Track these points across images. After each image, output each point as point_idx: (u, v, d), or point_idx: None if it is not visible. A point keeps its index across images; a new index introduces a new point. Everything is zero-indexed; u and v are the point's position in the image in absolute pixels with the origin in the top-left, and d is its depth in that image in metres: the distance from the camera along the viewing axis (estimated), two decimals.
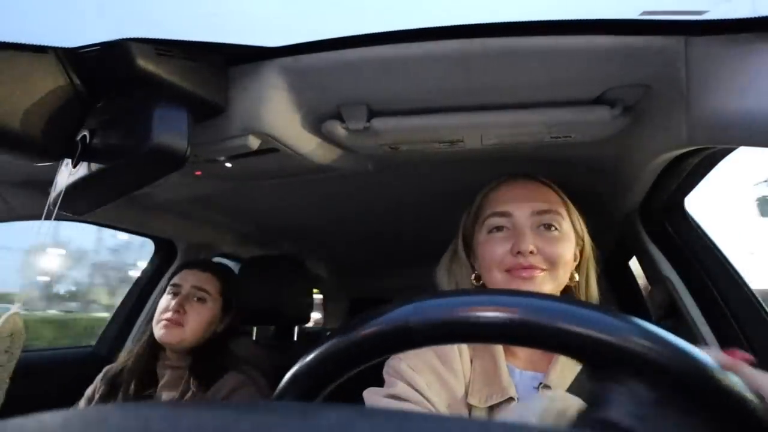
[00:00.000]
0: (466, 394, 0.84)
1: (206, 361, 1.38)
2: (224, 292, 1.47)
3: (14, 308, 0.80)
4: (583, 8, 0.71)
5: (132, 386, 1.35)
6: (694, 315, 1.23)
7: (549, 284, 0.88)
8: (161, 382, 1.37)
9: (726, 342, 1.15)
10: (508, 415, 0.80)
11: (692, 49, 0.73)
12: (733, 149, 0.97)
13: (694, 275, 1.26)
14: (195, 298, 1.40)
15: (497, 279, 0.89)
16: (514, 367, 0.87)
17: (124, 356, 1.47)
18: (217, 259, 2.06)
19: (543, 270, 0.87)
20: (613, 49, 0.75)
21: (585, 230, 0.98)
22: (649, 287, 1.51)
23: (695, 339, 1.22)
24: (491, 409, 0.82)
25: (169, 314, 1.35)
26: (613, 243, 1.73)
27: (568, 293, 0.98)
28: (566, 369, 0.82)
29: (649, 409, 0.35)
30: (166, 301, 1.40)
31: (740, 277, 1.21)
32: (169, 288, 1.43)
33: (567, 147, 1.02)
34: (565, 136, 0.97)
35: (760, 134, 0.64)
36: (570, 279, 0.93)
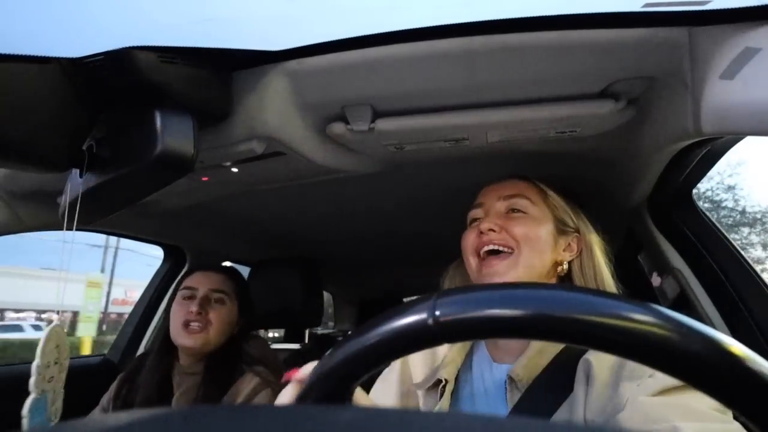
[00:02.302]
0: (412, 377, 0.96)
1: (221, 364, 1.37)
2: (240, 293, 1.46)
3: (54, 321, 0.85)
4: (585, 2, 0.71)
5: (147, 395, 1.35)
6: (705, 305, 1.22)
7: (516, 269, 0.90)
8: (177, 390, 1.36)
9: (738, 332, 1.15)
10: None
11: (696, 39, 0.73)
12: (740, 139, 0.97)
13: (704, 266, 1.25)
14: (214, 301, 1.39)
15: (471, 264, 0.95)
16: (491, 359, 0.91)
17: (136, 363, 1.47)
18: (226, 264, 2.07)
19: (508, 253, 0.91)
20: (616, 42, 0.74)
21: (582, 222, 0.98)
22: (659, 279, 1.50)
23: None
24: (429, 390, 0.91)
25: (192, 318, 1.34)
26: (622, 236, 1.72)
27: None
28: (533, 362, 0.83)
29: None
30: (183, 306, 1.38)
31: (750, 267, 1.21)
32: (182, 292, 1.41)
33: (573, 141, 1.02)
34: (571, 130, 0.97)
35: (767, 123, 0.63)
36: (560, 267, 0.95)
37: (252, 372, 1.37)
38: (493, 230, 0.92)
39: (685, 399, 0.63)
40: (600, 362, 0.74)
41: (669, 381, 0.65)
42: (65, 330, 0.89)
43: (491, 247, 0.92)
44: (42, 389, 0.83)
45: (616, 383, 0.71)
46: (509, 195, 0.96)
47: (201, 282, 1.41)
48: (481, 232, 0.93)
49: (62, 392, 0.88)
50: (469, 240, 0.95)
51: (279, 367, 1.46)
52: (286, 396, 0.53)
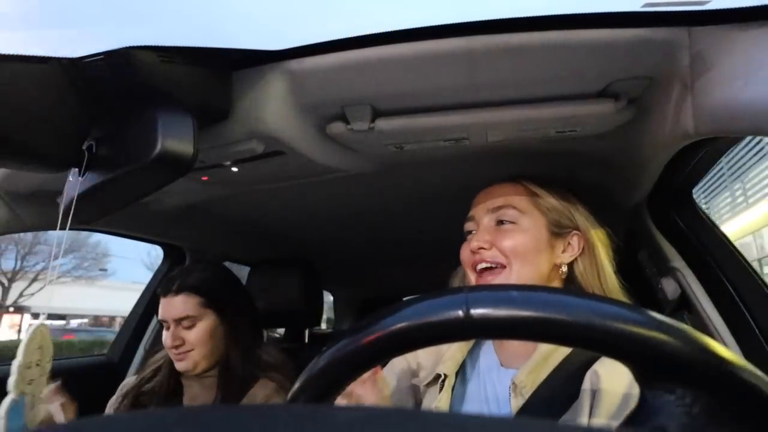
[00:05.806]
0: (416, 373, 0.97)
1: (236, 369, 1.36)
2: (209, 303, 1.38)
3: (40, 320, 0.81)
4: (585, 1, 0.71)
5: (157, 399, 1.34)
6: (706, 306, 1.22)
7: (513, 279, 0.91)
8: (188, 394, 1.36)
9: (739, 332, 1.15)
10: None
11: (696, 39, 0.73)
12: (741, 139, 0.97)
13: (704, 265, 1.25)
14: (183, 328, 1.35)
15: (470, 278, 0.96)
16: (499, 362, 0.91)
17: (145, 371, 1.45)
18: (226, 264, 2.06)
19: (503, 266, 0.92)
20: (616, 42, 0.74)
21: (581, 217, 0.98)
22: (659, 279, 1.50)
23: (708, 330, 1.21)
24: (429, 385, 0.92)
25: (172, 350, 1.34)
26: (621, 236, 1.72)
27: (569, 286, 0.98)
28: (537, 369, 0.82)
29: (697, 419, 0.35)
30: (164, 336, 1.37)
31: (750, 266, 1.21)
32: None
33: (572, 141, 1.02)
34: (570, 130, 0.97)
35: (767, 123, 0.63)
36: (560, 269, 0.95)
37: (267, 378, 1.36)
38: (483, 248, 0.93)
39: None
40: (610, 376, 0.72)
41: None
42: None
43: (484, 265, 0.93)
44: (21, 391, 0.77)
45: (625, 404, 0.68)
46: (496, 207, 0.97)
47: (165, 312, 1.36)
48: (473, 251, 0.94)
49: (42, 400, 0.82)
50: (465, 255, 0.97)
51: (292, 373, 1.43)
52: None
